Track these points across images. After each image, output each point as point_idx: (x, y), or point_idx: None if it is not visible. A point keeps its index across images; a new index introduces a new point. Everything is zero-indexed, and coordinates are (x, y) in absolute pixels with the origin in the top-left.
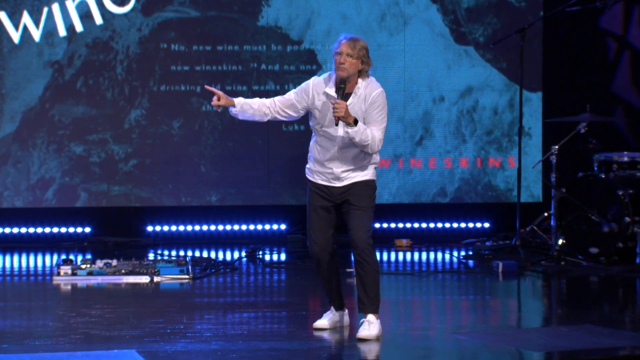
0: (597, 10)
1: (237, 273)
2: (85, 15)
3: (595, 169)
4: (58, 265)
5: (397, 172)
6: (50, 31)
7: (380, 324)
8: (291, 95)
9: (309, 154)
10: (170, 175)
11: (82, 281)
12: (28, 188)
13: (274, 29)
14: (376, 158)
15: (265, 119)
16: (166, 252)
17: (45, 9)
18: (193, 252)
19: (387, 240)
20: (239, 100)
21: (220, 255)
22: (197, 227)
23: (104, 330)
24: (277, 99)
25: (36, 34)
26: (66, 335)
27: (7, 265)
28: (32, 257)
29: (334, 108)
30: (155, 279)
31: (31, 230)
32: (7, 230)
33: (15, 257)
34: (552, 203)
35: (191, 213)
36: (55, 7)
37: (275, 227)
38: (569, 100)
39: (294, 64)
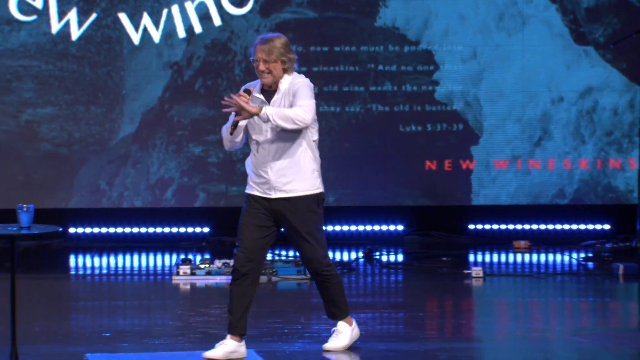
0: None
1: (354, 274)
2: (204, 16)
3: None
4: (177, 265)
5: (515, 173)
6: (169, 32)
7: (353, 330)
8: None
9: (247, 169)
10: None
11: (200, 281)
12: (147, 188)
13: (391, 29)
14: (313, 165)
15: (237, 144)
16: (284, 253)
17: (165, 11)
18: None
19: (505, 241)
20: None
21: (338, 256)
22: None
23: (222, 330)
24: None
25: (156, 35)
26: (185, 334)
27: (127, 264)
28: (151, 257)
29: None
30: (273, 279)
31: (150, 230)
32: (127, 229)
33: (135, 257)
34: None
35: None
36: (175, 9)
37: (392, 228)
38: None
39: (411, 65)
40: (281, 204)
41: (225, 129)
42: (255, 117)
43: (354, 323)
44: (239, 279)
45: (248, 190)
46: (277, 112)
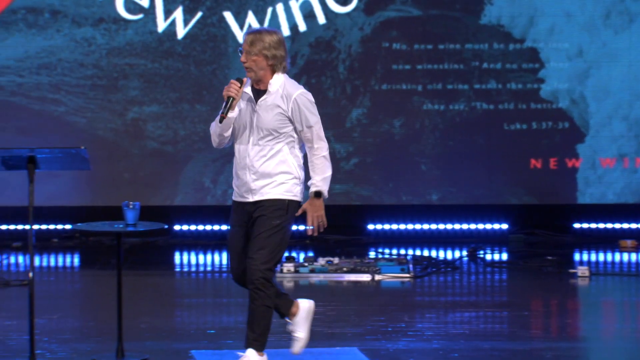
0: None
1: (457, 272)
2: (308, 14)
3: None
4: (281, 263)
5: (622, 171)
6: None
7: None
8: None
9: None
10: (391, 173)
11: (304, 278)
12: None
13: (496, 27)
14: (298, 172)
15: (226, 141)
16: (387, 251)
17: (270, 9)
18: (414, 251)
19: (611, 240)
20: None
21: (441, 254)
22: (417, 226)
23: (326, 328)
24: None
25: None
26: (288, 332)
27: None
28: None
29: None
30: (377, 277)
31: None
32: None
33: None
34: None
35: (411, 212)
36: (280, 7)
37: (496, 226)
38: None
39: (516, 63)
40: (255, 206)
41: (215, 124)
42: (239, 114)
43: (265, 357)
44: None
45: (233, 197)
46: (325, 181)
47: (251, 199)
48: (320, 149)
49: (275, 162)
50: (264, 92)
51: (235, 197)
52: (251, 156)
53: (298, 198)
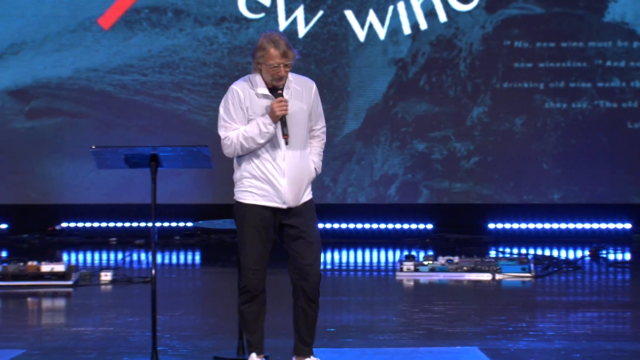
0: None
1: (579, 272)
2: (429, 13)
3: None
4: (401, 261)
5: None
6: (394, 29)
7: None
8: (234, 118)
9: (240, 174)
10: (512, 172)
11: (424, 277)
12: (371, 184)
13: (620, 24)
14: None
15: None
16: (507, 250)
17: (391, 8)
18: (535, 250)
19: None
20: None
21: (563, 253)
22: (538, 225)
23: (446, 327)
24: (241, 129)
25: (381, 32)
26: (409, 330)
27: (351, 260)
28: (375, 253)
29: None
30: (497, 276)
31: (374, 226)
32: (351, 225)
33: (359, 253)
34: None
35: (532, 211)
36: (401, 6)
37: (619, 226)
38: None
39: None
40: (290, 212)
41: (243, 139)
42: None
43: None
44: (252, 300)
45: (248, 200)
46: (319, 164)
47: (284, 205)
48: (324, 134)
49: (305, 163)
50: (278, 88)
51: (257, 201)
52: (285, 161)
53: None
